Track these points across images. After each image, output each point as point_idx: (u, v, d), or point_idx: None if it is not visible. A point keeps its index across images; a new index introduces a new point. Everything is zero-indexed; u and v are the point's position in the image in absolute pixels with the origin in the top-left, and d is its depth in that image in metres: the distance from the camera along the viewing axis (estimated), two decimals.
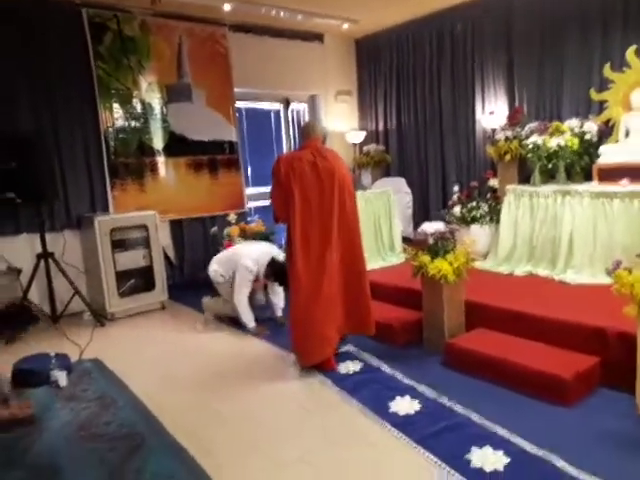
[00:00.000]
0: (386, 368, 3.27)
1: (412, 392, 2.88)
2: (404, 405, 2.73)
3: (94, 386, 3.25)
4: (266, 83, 6.35)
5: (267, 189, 6.86)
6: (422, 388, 2.93)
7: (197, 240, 5.81)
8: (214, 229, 5.51)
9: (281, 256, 4.12)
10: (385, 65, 6.88)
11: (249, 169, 6.48)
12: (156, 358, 3.74)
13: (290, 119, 6.84)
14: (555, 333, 3.16)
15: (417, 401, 2.76)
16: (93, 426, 2.72)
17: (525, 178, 5.17)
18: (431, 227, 3.46)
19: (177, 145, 5.67)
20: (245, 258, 4.11)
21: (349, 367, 3.31)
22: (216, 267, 4.28)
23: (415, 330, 3.72)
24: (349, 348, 3.62)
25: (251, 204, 6.40)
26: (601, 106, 4.71)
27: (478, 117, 5.88)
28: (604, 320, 2.99)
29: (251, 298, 4.22)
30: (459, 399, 2.76)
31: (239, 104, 6.30)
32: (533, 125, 4.62)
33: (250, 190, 6.37)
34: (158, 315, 4.86)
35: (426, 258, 3.39)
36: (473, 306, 3.58)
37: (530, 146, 4.30)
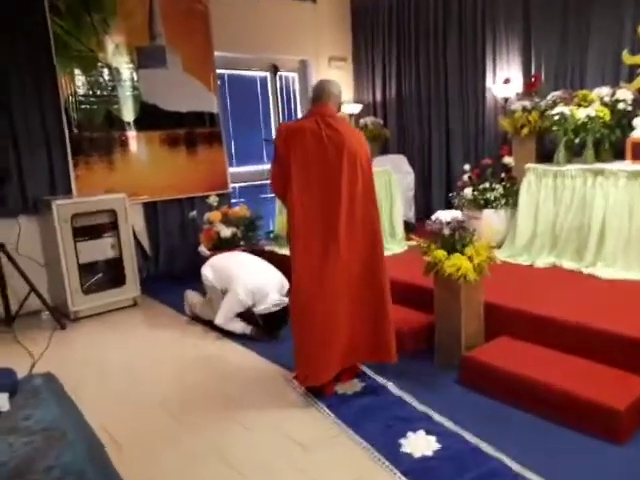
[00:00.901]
0: (393, 387, 2.73)
1: (427, 424, 2.34)
2: (419, 444, 2.19)
3: (42, 411, 2.68)
4: (251, 47, 5.66)
5: (254, 168, 6.38)
6: (438, 417, 2.39)
7: (174, 226, 5.20)
8: (193, 213, 4.90)
9: (284, 299, 3.47)
10: (384, 29, 6.18)
11: (233, 145, 5.83)
12: (123, 370, 3.18)
13: (278, 88, 6.15)
14: (595, 345, 2.62)
15: (434, 438, 2.22)
16: (30, 472, 2.16)
17: (544, 155, 4.60)
18: (447, 215, 2.88)
19: (150, 117, 5.00)
20: (240, 285, 3.46)
21: (346, 387, 2.76)
22: (209, 275, 3.69)
23: (425, 336, 3.18)
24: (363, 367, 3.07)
25: (235, 185, 5.78)
26: (632, 72, 4.11)
27: (488, 85, 5.25)
28: None
29: None
30: (485, 433, 2.23)
31: (221, 71, 5.61)
32: (557, 93, 4.01)
33: (234, 169, 5.73)
34: (129, 314, 4.28)
35: (441, 253, 2.82)
36: (492, 309, 3.03)
37: (556, 117, 3.70)
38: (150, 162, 5.03)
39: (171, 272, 5.11)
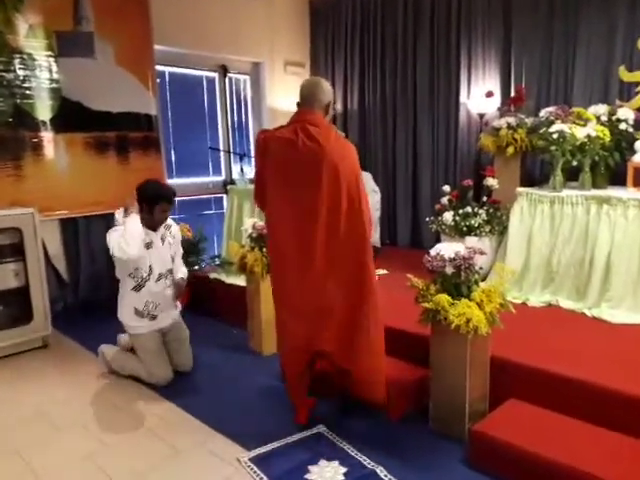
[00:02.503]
0: (383, 472, 2.08)
1: None
2: None
3: None
4: (198, 43, 4.93)
5: (198, 179, 5.59)
6: None
7: (99, 247, 4.30)
8: None
9: None
10: (346, 33, 5.62)
11: (173, 153, 5.03)
12: (17, 449, 2.32)
13: (228, 91, 5.43)
14: (623, 414, 2.11)
15: None
16: None
17: (529, 178, 4.18)
18: (450, 249, 2.28)
19: (72, 116, 4.14)
20: None
21: (325, 474, 2.08)
22: None
23: (415, 395, 2.57)
24: (321, 429, 2.40)
25: (175, 199, 4.96)
26: (623, 89, 3.77)
27: (463, 100, 4.80)
28: None
29: None
30: None
31: (161, 67, 4.84)
32: (551, 109, 3.57)
33: (174, 180, 4.93)
34: (36, 358, 3.37)
35: (445, 299, 2.22)
36: (496, 365, 2.46)
37: (555, 136, 3.24)
38: (71, 170, 4.15)
39: (95, 302, 4.23)
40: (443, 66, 4.87)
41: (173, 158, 5.03)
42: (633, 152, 3.37)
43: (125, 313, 2.93)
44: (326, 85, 2.37)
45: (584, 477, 1.84)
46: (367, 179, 4.97)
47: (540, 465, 1.95)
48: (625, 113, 3.39)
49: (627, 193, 3.11)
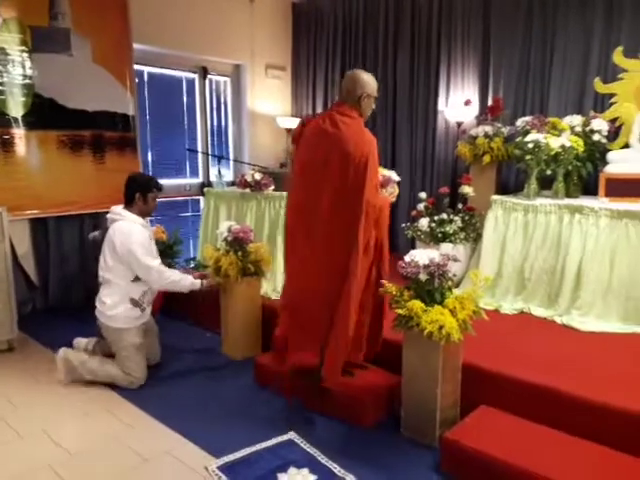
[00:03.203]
0: None
1: None
2: None
3: None
4: (178, 43, 4.88)
5: (175, 181, 5.51)
6: None
7: (71, 248, 4.22)
8: (95, 233, 3.99)
9: None
10: (328, 38, 5.63)
11: (150, 153, 4.96)
12: None
13: (208, 93, 5.38)
14: (593, 421, 2.14)
15: None
16: None
17: (503, 186, 4.23)
18: (424, 256, 2.29)
19: (46, 113, 4.05)
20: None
21: None
22: None
23: (386, 401, 2.57)
24: (292, 436, 2.37)
25: None
26: (597, 101, 3.85)
27: (441, 108, 4.84)
28: None
29: None
30: None
31: (140, 67, 4.77)
32: (527, 119, 3.62)
33: None
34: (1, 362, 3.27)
35: (419, 305, 2.22)
36: (468, 371, 2.46)
37: (530, 145, 3.28)
38: (43, 168, 4.05)
39: (65, 305, 4.13)
40: (423, 74, 4.90)
41: (150, 159, 4.96)
42: (605, 163, 3.44)
43: (120, 306, 2.88)
44: (362, 78, 2.49)
45: None
46: None
47: (510, 473, 1.95)
48: (599, 124, 3.45)
49: (599, 203, 3.17)
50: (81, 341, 3.12)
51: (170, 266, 3.95)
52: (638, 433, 2.03)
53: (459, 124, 4.65)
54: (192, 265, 4.19)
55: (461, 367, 2.42)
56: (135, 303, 2.91)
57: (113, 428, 2.47)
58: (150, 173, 4.93)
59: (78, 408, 2.67)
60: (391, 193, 2.84)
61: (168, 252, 3.93)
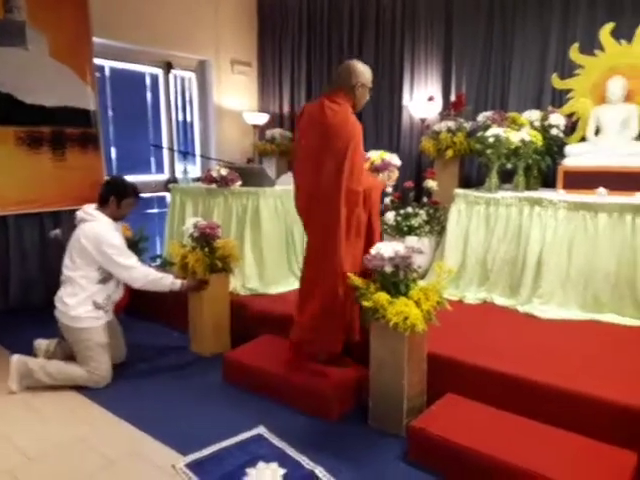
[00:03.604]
0: (322, 472, 2.08)
1: None
2: None
3: None
4: (140, 38, 4.79)
5: (140, 178, 5.41)
6: None
7: (32, 247, 4.10)
8: (55, 232, 3.89)
9: None
10: (293, 35, 5.63)
11: (113, 150, 4.86)
12: None
13: (172, 88, 5.30)
14: (557, 407, 2.21)
15: None
16: None
17: (466, 180, 4.32)
18: (389, 248, 2.32)
19: (2, 109, 3.91)
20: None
21: (263, 477, 2.05)
22: None
23: (354, 393, 2.59)
24: (261, 431, 2.38)
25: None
26: (555, 96, 3.97)
27: (405, 103, 4.91)
28: (632, 392, 2.11)
29: None
30: None
31: (101, 61, 4.66)
32: (488, 114, 3.71)
33: None
34: None
35: (384, 297, 2.25)
36: (433, 360, 2.51)
37: (491, 140, 3.36)
38: (0, 166, 3.92)
39: (26, 305, 4.01)
40: (387, 71, 4.96)
41: (114, 156, 4.86)
42: (563, 156, 3.55)
43: (82, 307, 2.80)
44: (357, 67, 2.60)
45: (519, 471, 1.88)
46: None
47: (476, 459, 1.99)
48: (556, 119, 3.57)
49: (557, 195, 3.27)
50: (42, 343, 3.04)
51: None
52: (598, 417, 2.10)
53: (423, 120, 4.72)
54: (158, 263, 4.14)
55: (426, 357, 2.46)
56: (98, 306, 2.85)
57: (77, 430, 2.42)
58: (114, 170, 4.84)
59: (40, 411, 2.60)
60: (389, 177, 2.98)
61: (133, 250, 3.85)
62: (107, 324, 2.94)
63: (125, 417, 2.51)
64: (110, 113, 4.81)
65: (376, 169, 3.27)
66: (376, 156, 3.60)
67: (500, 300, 3.39)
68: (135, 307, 3.87)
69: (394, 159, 3.53)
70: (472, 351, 2.56)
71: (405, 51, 4.84)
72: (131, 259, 2.87)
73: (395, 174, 3.09)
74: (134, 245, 3.87)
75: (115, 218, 2.95)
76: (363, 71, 2.61)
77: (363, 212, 2.59)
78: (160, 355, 3.29)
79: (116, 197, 2.91)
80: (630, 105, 3.47)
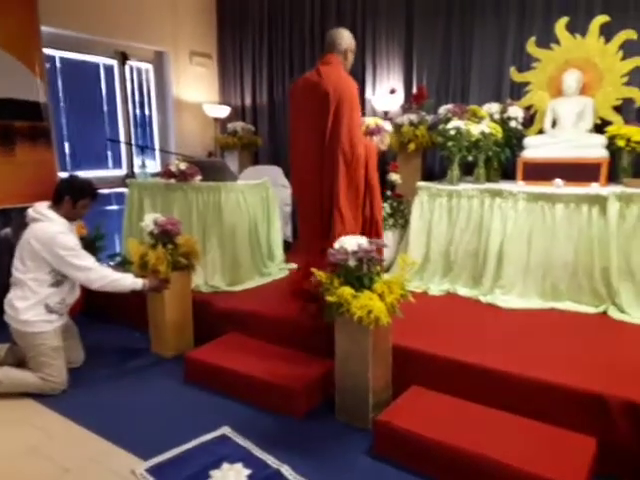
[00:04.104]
0: (288, 471, 2.04)
1: None
2: None
3: None
4: (93, 27, 4.60)
5: (96, 173, 5.22)
6: None
7: None
8: (6, 230, 3.70)
9: None
10: (254, 26, 5.53)
11: (67, 144, 4.66)
12: None
13: (129, 80, 5.13)
14: (519, 396, 2.24)
15: None
16: None
17: (428, 172, 4.35)
18: (353, 242, 2.30)
19: None
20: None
21: (228, 478, 2.00)
22: None
23: (320, 388, 2.57)
24: (225, 431, 2.32)
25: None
26: (514, 89, 4.03)
27: (368, 97, 4.89)
28: (593, 379, 2.15)
29: None
30: None
31: (51, 51, 4.45)
32: (449, 107, 3.73)
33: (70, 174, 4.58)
34: None
35: (348, 291, 2.23)
36: (398, 352, 2.51)
37: (452, 132, 3.38)
38: None
39: None
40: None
41: (67, 150, 4.67)
42: (522, 148, 3.61)
43: (33, 310, 2.67)
44: (345, 33, 2.88)
45: (483, 461, 1.90)
46: (277, 173, 4.95)
47: (442, 451, 2.00)
48: (515, 111, 3.62)
49: (517, 187, 3.32)
50: None
51: None
52: (559, 404, 2.14)
53: (386, 113, 4.72)
54: (117, 261, 4.00)
55: (391, 349, 2.46)
56: (50, 310, 2.72)
57: (31, 438, 2.31)
58: (68, 165, 4.65)
59: None
60: (382, 141, 3.18)
61: (90, 249, 3.71)
62: (62, 327, 2.82)
63: (82, 423, 2.41)
64: (63, 106, 4.60)
65: (370, 132, 3.30)
66: (371, 121, 3.61)
67: (463, 291, 3.42)
68: (93, 307, 3.73)
69: (386, 125, 3.60)
70: (436, 342, 2.57)
71: (367, 44, 4.82)
72: (87, 260, 2.74)
73: (387, 139, 3.23)
74: (90, 244, 3.73)
75: (69, 218, 2.81)
76: (351, 37, 2.90)
77: (362, 169, 2.83)
78: (120, 357, 3.18)
79: (71, 197, 2.77)
80: (585, 98, 3.55)
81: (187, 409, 2.55)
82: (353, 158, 2.76)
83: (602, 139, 3.38)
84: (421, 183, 3.66)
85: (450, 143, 3.43)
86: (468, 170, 3.80)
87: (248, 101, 5.71)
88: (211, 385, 2.71)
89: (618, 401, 2.01)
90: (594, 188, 3.14)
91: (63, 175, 4.30)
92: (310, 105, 2.79)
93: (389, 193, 4.08)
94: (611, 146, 3.36)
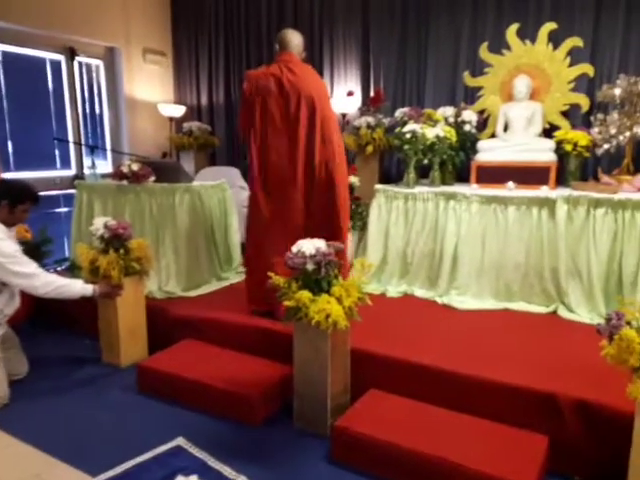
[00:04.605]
0: None
1: None
2: None
3: None
4: (38, 20, 4.40)
5: (41, 174, 4.98)
6: None
7: None
8: None
9: None
10: (210, 25, 5.43)
11: (9, 143, 4.43)
12: None
13: (78, 77, 4.92)
14: (475, 396, 2.28)
15: None
16: None
17: (385, 175, 4.38)
18: (310, 246, 2.27)
19: None
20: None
21: None
22: None
23: (278, 394, 2.53)
24: (180, 442, 2.25)
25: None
26: (467, 93, 4.12)
27: None
28: (544, 379, 2.21)
29: None
30: None
31: None
32: (405, 110, 3.77)
33: (11, 174, 4.36)
34: None
35: (307, 295, 2.20)
36: (357, 356, 2.51)
37: (408, 136, 3.41)
38: None
39: None
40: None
41: (10, 149, 4.43)
42: (476, 152, 3.68)
43: None
44: (298, 34, 2.95)
45: (439, 463, 1.92)
46: (234, 175, 4.88)
47: (400, 455, 2.00)
48: (469, 115, 3.69)
49: (470, 190, 3.38)
50: None
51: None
52: (512, 404, 2.18)
53: (344, 115, 4.73)
54: (65, 266, 3.83)
55: (350, 353, 2.45)
56: None
57: None
58: (11, 165, 4.42)
59: None
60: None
61: (35, 253, 3.54)
62: (1, 338, 2.66)
63: (26, 438, 2.28)
64: (5, 102, 4.37)
65: None
66: None
67: (420, 292, 3.46)
68: (41, 315, 3.56)
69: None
70: (394, 345, 2.58)
71: (324, 45, 4.82)
72: (29, 266, 2.61)
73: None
74: (36, 248, 3.56)
75: (8, 224, 2.66)
76: (302, 38, 2.98)
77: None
78: (68, 368, 3.03)
79: (9, 202, 2.62)
80: (534, 103, 3.66)
81: (140, 421, 2.46)
82: (341, 160, 2.90)
83: (551, 143, 3.50)
84: (378, 186, 3.68)
85: (406, 146, 3.46)
86: (424, 173, 3.85)
87: (204, 100, 5.60)
88: (166, 395, 2.63)
89: (569, 400, 2.07)
90: (544, 191, 3.25)
91: (5, 176, 4.11)
92: (285, 103, 2.78)
93: None
94: (559, 150, 3.48)
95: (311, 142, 2.79)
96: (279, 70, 2.80)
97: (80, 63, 4.94)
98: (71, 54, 4.78)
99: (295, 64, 2.84)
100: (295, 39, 2.90)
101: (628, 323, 1.76)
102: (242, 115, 2.92)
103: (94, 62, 5.13)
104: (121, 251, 2.98)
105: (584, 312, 2.97)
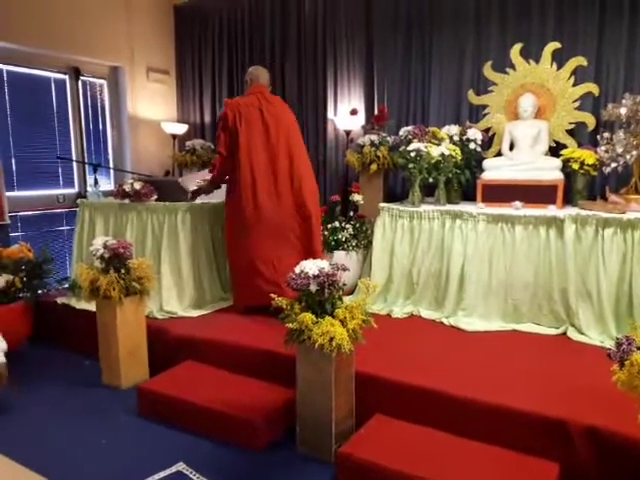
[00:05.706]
0: None
1: None
2: None
3: None
4: (44, 41, 4.43)
5: (44, 192, 4.95)
6: None
7: None
8: None
9: None
10: (214, 44, 5.46)
11: (13, 162, 4.43)
12: None
13: (82, 96, 4.94)
14: (484, 422, 2.21)
15: None
16: None
17: (390, 193, 4.34)
18: (313, 266, 2.23)
19: None
20: None
21: None
22: None
23: (282, 419, 2.47)
24: (181, 468, 2.18)
25: (17, 214, 4.37)
26: (472, 111, 4.10)
27: (330, 117, 4.88)
28: (554, 404, 2.14)
29: None
30: None
31: None
32: (409, 128, 3.75)
33: (14, 193, 4.35)
34: None
35: (309, 317, 2.15)
36: (360, 379, 2.44)
37: (413, 154, 3.39)
38: None
39: None
40: (311, 82, 4.91)
41: (14, 168, 4.43)
42: (481, 170, 3.65)
43: None
44: (264, 70, 3.49)
45: None
46: None
47: None
48: (474, 134, 3.66)
49: (477, 208, 3.34)
50: None
51: (39, 288, 3.55)
52: (522, 430, 2.11)
53: (347, 132, 4.71)
54: (67, 285, 3.79)
55: (354, 376, 2.39)
56: None
57: None
58: (14, 183, 4.41)
59: None
60: None
61: (35, 272, 3.51)
62: None
63: (22, 461, 2.20)
64: (10, 121, 4.38)
65: None
66: None
67: (426, 313, 3.40)
68: (40, 335, 3.51)
69: None
70: (399, 368, 2.52)
71: (328, 64, 4.81)
72: None
73: None
74: (37, 267, 3.52)
75: None
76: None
77: None
78: (67, 389, 2.97)
79: None
80: (540, 121, 3.64)
81: (140, 444, 2.39)
82: (310, 174, 3.45)
83: (557, 162, 3.46)
84: (383, 204, 3.64)
85: (411, 165, 3.44)
86: (430, 191, 3.81)
87: (207, 119, 5.60)
88: (167, 418, 2.57)
89: (579, 426, 2.00)
90: (551, 210, 3.20)
91: (8, 194, 4.10)
92: (269, 133, 3.24)
93: (352, 214, 4.05)
94: (566, 169, 3.45)
95: (289, 161, 3.27)
96: (257, 101, 3.27)
97: (84, 82, 4.97)
98: (76, 74, 4.81)
99: (270, 96, 3.38)
100: (265, 74, 3.45)
101: (639, 348, 1.70)
102: (224, 140, 3.24)
103: (98, 81, 5.15)
104: (122, 270, 2.95)
105: (594, 334, 2.90)
